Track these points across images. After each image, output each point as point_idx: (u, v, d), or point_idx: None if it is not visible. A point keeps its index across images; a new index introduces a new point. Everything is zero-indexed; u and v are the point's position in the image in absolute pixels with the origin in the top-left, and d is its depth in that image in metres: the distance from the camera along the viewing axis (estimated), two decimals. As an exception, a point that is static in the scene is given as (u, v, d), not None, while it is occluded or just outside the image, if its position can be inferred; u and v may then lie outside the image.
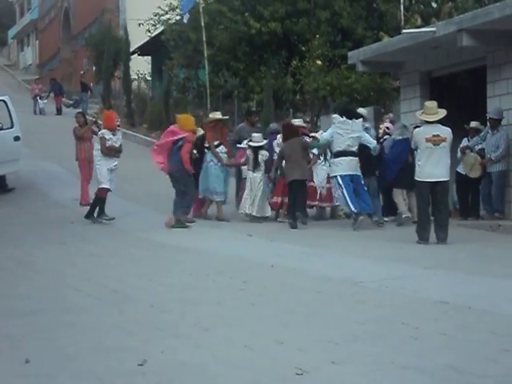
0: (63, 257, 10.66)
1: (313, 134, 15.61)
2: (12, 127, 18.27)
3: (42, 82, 40.61)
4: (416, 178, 11.88)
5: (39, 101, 36.74)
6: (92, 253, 10.96)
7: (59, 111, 36.34)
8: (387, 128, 14.64)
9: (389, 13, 21.80)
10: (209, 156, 14.63)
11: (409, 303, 7.22)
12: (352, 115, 13.56)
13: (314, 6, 23.11)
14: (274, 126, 15.97)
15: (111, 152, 14.31)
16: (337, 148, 13.37)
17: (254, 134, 14.70)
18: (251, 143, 14.53)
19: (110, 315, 6.83)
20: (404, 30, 15.67)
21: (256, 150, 14.45)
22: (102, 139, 14.34)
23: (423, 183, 11.66)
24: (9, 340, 5.93)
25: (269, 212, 14.54)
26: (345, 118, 13.40)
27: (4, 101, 18.42)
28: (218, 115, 15.63)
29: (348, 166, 13.24)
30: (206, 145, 15.03)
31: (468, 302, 7.13)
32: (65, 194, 17.71)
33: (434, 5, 21.13)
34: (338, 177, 13.29)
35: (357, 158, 13.34)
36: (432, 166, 11.53)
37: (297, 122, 15.64)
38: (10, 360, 5.38)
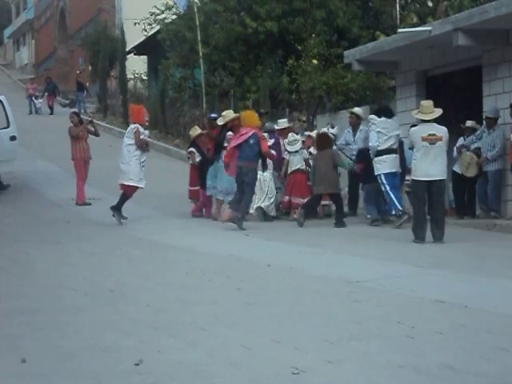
0: (59, 256, 10.65)
1: (308, 133, 15.67)
2: (8, 127, 18.25)
3: (38, 82, 40.56)
4: (412, 177, 11.91)
5: (35, 100, 36.70)
6: (88, 252, 10.96)
7: (51, 110, 36.21)
8: None
9: (385, 11, 21.82)
10: None
11: (405, 302, 7.23)
12: (390, 114, 13.59)
13: (310, 5, 23.10)
14: (269, 125, 16.01)
15: (144, 146, 14.03)
16: (380, 147, 13.35)
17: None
18: None
19: (107, 315, 6.82)
20: (400, 29, 15.67)
21: None
22: (137, 132, 13.96)
23: (419, 182, 11.67)
24: (5, 339, 5.92)
25: (274, 212, 14.64)
26: (383, 118, 13.41)
27: (0, 100, 18.40)
28: (232, 113, 15.48)
29: (392, 163, 13.23)
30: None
31: (464, 300, 7.14)
32: (61, 193, 17.70)
33: (430, 4, 21.14)
34: (382, 175, 13.26)
35: (398, 156, 13.42)
36: (428, 165, 11.54)
37: (282, 122, 15.71)
38: (7, 359, 5.38)
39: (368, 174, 13.77)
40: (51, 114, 35.86)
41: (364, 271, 8.99)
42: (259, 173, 14.38)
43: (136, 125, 14.14)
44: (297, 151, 14.68)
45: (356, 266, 9.54)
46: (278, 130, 15.28)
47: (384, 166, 13.25)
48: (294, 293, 7.79)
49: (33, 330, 6.26)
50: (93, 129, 17.25)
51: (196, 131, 15.77)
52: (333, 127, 15.44)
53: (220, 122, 14.95)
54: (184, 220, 14.34)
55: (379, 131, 13.34)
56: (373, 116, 13.73)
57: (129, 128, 14.37)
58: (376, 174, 13.40)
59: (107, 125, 31.38)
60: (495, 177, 13.63)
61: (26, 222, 14.51)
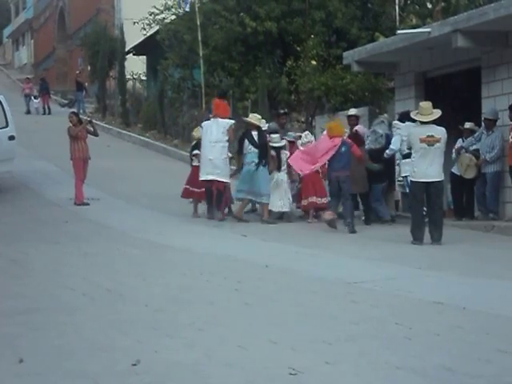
0: (57, 256, 10.64)
1: (298, 134, 15.66)
2: (7, 126, 18.22)
3: (33, 82, 40.54)
4: (410, 179, 11.94)
5: (34, 100, 36.73)
6: (86, 252, 10.94)
7: (49, 110, 36.16)
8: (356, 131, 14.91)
9: (384, 12, 21.84)
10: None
11: (403, 303, 7.24)
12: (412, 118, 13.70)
13: (309, 6, 23.11)
14: (272, 125, 15.96)
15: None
16: (407, 150, 13.24)
17: (272, 135, 14.72)
18: (272, 144, 14.61)
19: (104, 315, 6.82)
20: (399, 31, 15.69)
21: (277, 150, 14.51)
22: (232, 128, 14.21)
23: (417, 183, 11.69)
24: (3, 339, 5.92)
25: (288, 208, 14.73)
26: (408, 123, 13.47)
27: (-1, 100, 18.38)
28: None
29: None
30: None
31: (462, 302, 7.15)
32: (59, 193, 17.67)
33: (429, 5, 21.16)
34: (409, 177, 13.28)
35: None
36: (426, 166, 11.56)
37: (290, 134, 15.71)
38: (4, 359, 5.37)
39: (379, 174, 13.98)
40: (49, 113, 35.85)
41: (362, 272, 9.00)
42: (275, 173, 14.45)
43: (231, 121, 14.29)
44: None
45: (354, 267, 9.55)
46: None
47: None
48: (291, 293, 7.80)
49: (30, 329, 6.26)
50: (92, 129, 17.24)
51: (199, 132, 15.62)
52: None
53: (262, 124, 14.72)
54: (182, 220, 14.32)
55: (404, 135, 13.40)
56: (397, 122, 14.11)
57: (222, 122, 14.29)
58: (402, 175, 13.71)
59: (106, 125, 31.39)
60: (494, 178, 13.64)
61: (24, 221, 14.49)
